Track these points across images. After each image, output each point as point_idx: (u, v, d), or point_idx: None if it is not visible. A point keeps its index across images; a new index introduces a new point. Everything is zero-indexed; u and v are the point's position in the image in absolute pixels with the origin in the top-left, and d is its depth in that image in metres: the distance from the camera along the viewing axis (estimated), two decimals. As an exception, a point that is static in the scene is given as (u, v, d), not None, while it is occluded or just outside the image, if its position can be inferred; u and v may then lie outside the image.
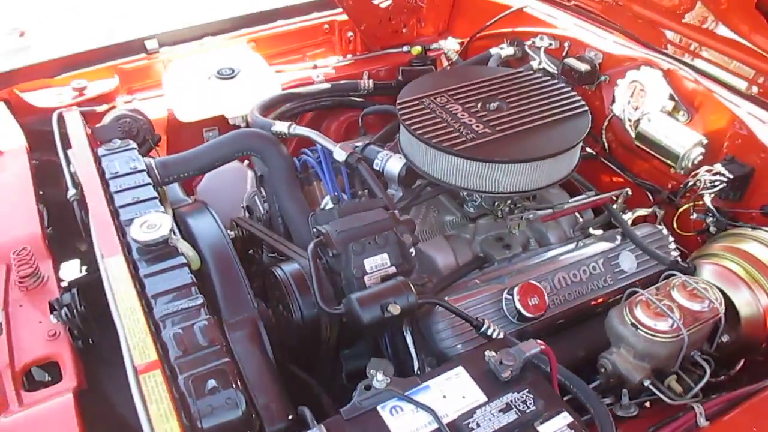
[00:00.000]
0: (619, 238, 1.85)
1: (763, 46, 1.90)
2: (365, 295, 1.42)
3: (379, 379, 1.24)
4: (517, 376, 1.25)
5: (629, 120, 2.08)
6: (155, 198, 1.62)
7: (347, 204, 1.67)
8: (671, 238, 1.87)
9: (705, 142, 1.91)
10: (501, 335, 1.48)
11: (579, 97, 1.88)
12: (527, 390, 1.26)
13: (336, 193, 1.92)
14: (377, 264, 1.52)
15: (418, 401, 1.20)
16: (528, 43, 2.46)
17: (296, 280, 1.58)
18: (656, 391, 1.37)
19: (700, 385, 1.41)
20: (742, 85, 1.96)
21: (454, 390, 1.27)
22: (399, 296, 1.42)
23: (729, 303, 1.54)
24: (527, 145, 1.71)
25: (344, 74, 2.58)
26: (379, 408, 1.19)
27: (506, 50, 2.53)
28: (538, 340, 1.31)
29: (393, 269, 1.53)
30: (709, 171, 1.84)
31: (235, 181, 2.36)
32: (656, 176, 2.07)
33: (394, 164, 1.92)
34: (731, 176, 1.82)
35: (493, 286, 1.67)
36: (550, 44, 2.38)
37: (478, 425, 1.20)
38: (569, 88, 1.93)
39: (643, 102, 2.05)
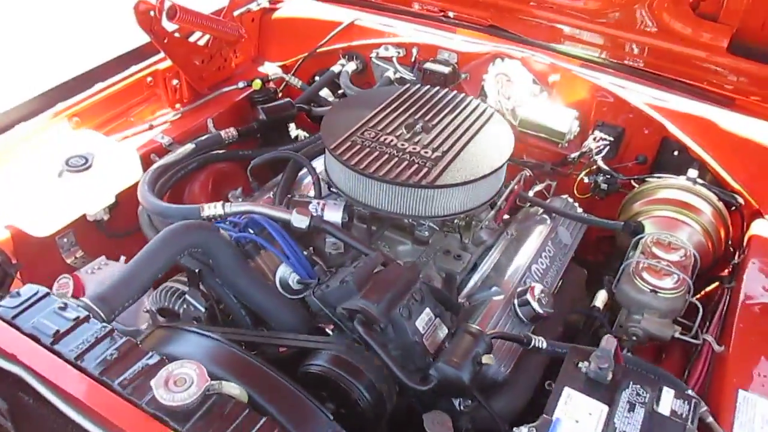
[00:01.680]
0: (545, 217, 2.04)
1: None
2: (452, 358, 1.34)
3: (522, 432, 1.21)
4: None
5: (507, 110, 2.26)
6: (135, 346, 1.27)
7: (358, 272, 1.51)
8: (577, 204, 2.13)
9: (577, 114, 2.18)
10: (544, 344, 1.54)
11: (482, 104, 1.97)
12: (630, 382, 1.35)
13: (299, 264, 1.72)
14: (426, 321, 1.44)
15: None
16: (372, 55, 2.47)
17: (345, 368, 1.39)
18: (685, 338, 1.58)
19: (698, 321, 1.66)
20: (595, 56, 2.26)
21: (577, 412, 1.30)
22: (479, 343, 1.38)
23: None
24: (475, 163, 1.74)
25: (188, 128, 2.27)
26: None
27: (349, 66, 2.51)
28: (608, 336, 1.40)
29: (438, 320, 1.47)
30: (594, 139, 2.12)
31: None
32: (542, 154, 2.30)
33: (333, 213, 1.80)
34: (612, 138, 2.13)
35: (496, 300, 1.71)
36: (398, 52, 2.42)
37: (625, 432, 1.25)
38: (469, 97, 2.00)
39: (512, 91, 2.24)
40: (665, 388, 1.35)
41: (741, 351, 1.55)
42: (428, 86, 2.04)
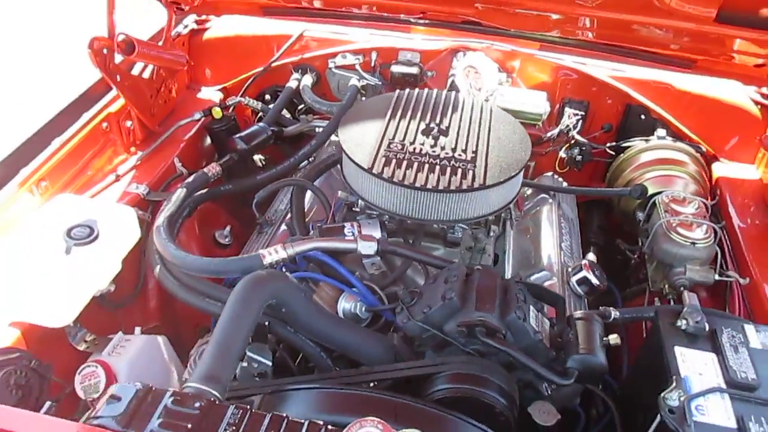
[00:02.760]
0: (545, 197, 2.14)
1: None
2: (585, 346, 1.38)
3: (674, 398, 1.29)
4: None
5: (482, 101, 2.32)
6: (294, 422, 1.15)
7: (457, 287, 1.47)
8: (561, 179, 2.26)
9: (546, 95, 2.31)
10: (617, 314, 1.63)
11: (472, 98, 2.01)
12: (722, 327, 1.49)
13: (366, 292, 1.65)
14: (535, 318, 1.46)
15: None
16: (330, 65, 2.40)
17: (478, 383, 1.37)
18: (724, 278, 1.77)
19: (719, 262, 1.86)
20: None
21: (695, 366, 1.41)
22: (597, 326, 1.43)
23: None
24: (506, 157, 1.77)
25: (156, 172, 2.05)
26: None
27: (306, 79, 2.41)
28: (687, 292, 1.54)
29: (540, 314, 1.49)
30: (569, 116, 2.26)
31: (153, 355, 1.73)
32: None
33: (372, 232, 1.76)
34: (584, 113, 2.29)
35: (549, 283, 1.78)
36: (358, 59, 2.37)
37: (745, 373, 1.38)
38: (455, 93, 2.02)
39: (482, 82, 2.30)
40: (746, 326, 1.51)
41: (765, 277, 1.77)
42: (418, 90, 2.04)
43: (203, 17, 2.48)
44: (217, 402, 1.18)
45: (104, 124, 1.99)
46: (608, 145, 2.29)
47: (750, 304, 1.75)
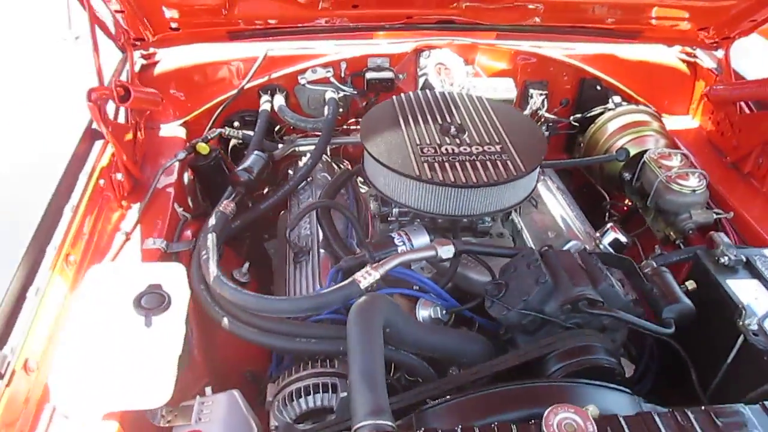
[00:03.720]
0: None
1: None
2: (672, 297, 1.53)
3: (753, 322, 1.50)
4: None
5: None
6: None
7: (549, 269, 1.54)
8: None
9: (512, 80, 2.45)
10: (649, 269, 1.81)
11: (460, 92, 2.10)
12: (752, 256, 1.73)
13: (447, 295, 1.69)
14: (617, 282, 1.59)
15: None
16: (301, 81, 2.35)
17: (595, 352, 1.46)
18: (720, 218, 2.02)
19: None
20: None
21: (748, 293, 1.62)
22: (669, 277, 1.60)
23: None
24: (528, 143, 1.87)
25: (163, 223, 1.91)
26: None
27: (279, 99, 2.35)
28: (713, 233, 1.76)
29: (616, 275, 1.63)
30: (538, 96, 2.43)
31: (237, 412, 1.63)
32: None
33: (421, 237, 1.80)
34: (546, 92, 2.47)
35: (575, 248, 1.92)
36: (328, 71, 2.35)
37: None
38: (441, 90, 2.10)
39: (453, 77, 2.40)
40: (764, 251, 1.77)
41: (743, 207, 2.06)
42: (413, 94, 2.07)
43: (150, 51, 2.31)
44: (393, 432, 1.18)
45: (101, 181, 1.82)
46: (572, 117, 2.49)
47: (741, 233, 2.03)
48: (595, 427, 1.12)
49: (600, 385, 1.37)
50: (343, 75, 2.38)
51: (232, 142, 2.35)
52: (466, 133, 1.89)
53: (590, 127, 2.42)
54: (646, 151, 2.17)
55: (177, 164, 2.10)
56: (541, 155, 1.83)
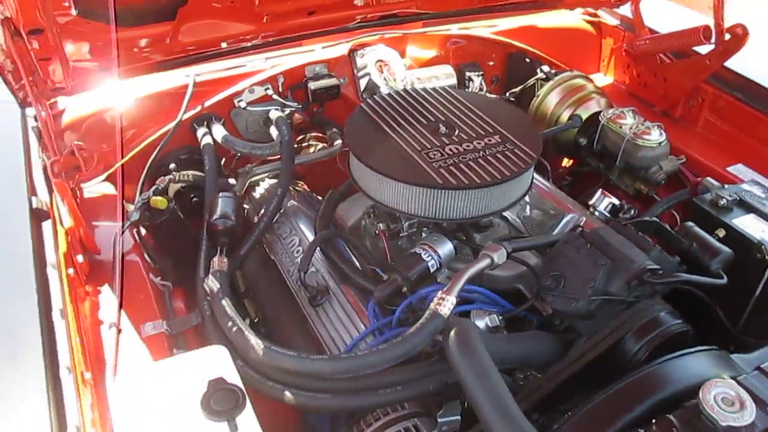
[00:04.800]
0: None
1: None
2: (713, 249, 1.60)
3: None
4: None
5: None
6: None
7: (607, 252, 1.52)
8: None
9: (450, 66, 2.40)
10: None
11: (427, 86, 2.01)
12: (736, 193, 1.86)
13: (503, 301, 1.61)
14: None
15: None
16: (240, 104, 2.09)
17: (665, 320, 1.49)
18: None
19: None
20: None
21: (755, 227, 1.76)
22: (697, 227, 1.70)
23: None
24: (522, 130, 1.81)
25: (149, 300, 1.61)
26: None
27: (218, 129, 2.06)
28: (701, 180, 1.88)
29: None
30: (475, 77, 2.41)
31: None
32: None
33: (444, 246, 1.71)
34: (482, 72, 2.45)
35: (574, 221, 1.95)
36: (267, 89, 2.12)
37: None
38: (434, 89, 1.99)
39: (395, 71, 2.28)
40: (743, 186, 1.92)
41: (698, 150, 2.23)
42: (375, 97, 1.94)
43: (52, 101, 1.91)
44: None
45: (70, 270, 1.47)
46: (508, 93, 2.51)
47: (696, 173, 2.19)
48: (746, 392, 1.13)
49: (701, 350, 1.39)
50: (281, 89, 2.16)
51: (173, 187, 2.03)
52: (457, 130, 1.81)
53: (532, 101, 2.46)
54: (596, 114, 2.25)
55: (133, 228, 1.78)
56: (536, 132, 1.81)
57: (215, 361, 1.32)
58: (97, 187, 1.98)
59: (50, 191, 1.57)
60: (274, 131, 2.08)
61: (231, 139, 2.04)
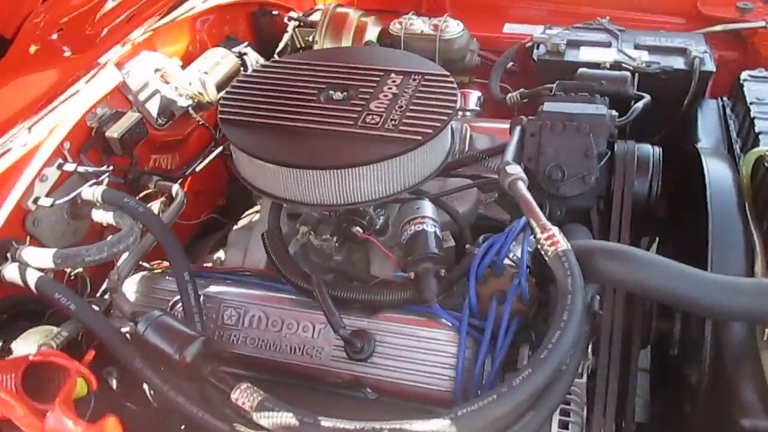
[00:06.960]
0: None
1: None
2: None
3: None
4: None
5: (198, 93, 1.80)
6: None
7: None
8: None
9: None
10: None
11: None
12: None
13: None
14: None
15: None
16: (46, 202, 1.35)
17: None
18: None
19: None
20: None
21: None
22: None
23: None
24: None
25: None
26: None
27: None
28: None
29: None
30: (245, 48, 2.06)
31: None
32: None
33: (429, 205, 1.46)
34: (247, 42, 2.09)
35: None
36: (59, 165, 1.40)
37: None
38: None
39: (176, 76, 1.77)
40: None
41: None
42: (227, 93, 1.45)
43: None
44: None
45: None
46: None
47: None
48: None
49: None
50: (72, 159, 1.47)
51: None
52: (350, 89, 1.47)
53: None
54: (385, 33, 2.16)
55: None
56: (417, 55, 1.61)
57: None
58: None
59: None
60: (103, 215, 1.41)
61: (48, 282, 1.26)
